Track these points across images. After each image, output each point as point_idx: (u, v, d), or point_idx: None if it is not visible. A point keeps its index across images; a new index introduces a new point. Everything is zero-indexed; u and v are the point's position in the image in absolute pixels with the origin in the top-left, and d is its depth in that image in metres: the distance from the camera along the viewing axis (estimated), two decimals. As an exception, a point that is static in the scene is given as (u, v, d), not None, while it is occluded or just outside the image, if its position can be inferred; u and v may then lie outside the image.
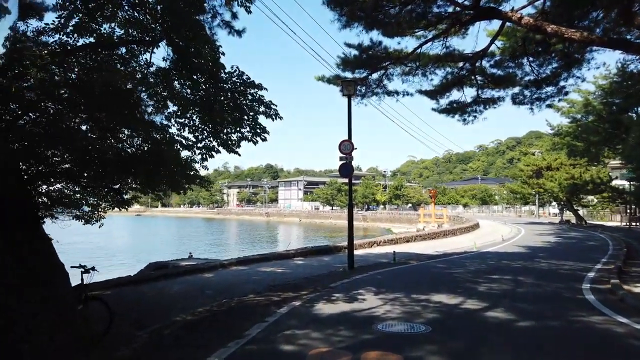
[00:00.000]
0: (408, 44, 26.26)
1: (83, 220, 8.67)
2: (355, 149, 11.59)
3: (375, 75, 13.73)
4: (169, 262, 14.51)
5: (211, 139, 8.01)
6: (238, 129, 7.95)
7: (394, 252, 14.67)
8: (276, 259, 14.56)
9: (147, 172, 7.31)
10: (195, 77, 7.44)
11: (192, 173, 8.29)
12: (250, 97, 7.89)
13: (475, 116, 14.48)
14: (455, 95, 14.68)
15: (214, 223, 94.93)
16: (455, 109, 14.47)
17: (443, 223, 47.95)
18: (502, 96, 14.19)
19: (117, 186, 8.16)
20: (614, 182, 44.70)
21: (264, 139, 8.01)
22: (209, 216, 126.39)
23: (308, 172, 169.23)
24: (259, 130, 7.93)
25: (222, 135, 7.93)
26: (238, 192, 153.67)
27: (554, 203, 75.84)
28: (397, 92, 14.13)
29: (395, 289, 8.92)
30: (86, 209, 8.68)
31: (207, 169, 9.67)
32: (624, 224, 45.21)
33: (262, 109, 7.98)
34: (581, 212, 50.66)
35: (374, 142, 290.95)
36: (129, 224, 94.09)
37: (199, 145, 7.96)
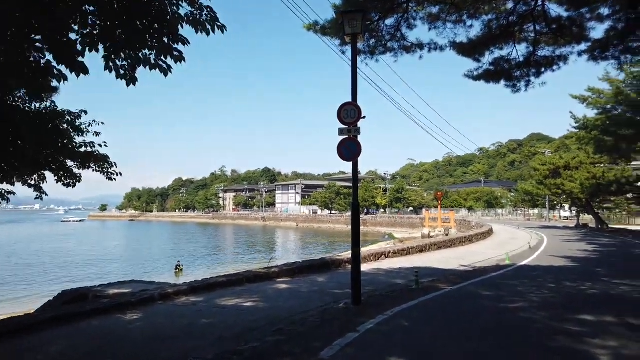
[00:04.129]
0: None
1: None
2: (364, 117, 7.48)
3: (389, 21, 9.66)
4: (92, 289, 10.35)
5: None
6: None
7: (415, 272, 10.49)
8: (251, 280, 10.40)
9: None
10: None
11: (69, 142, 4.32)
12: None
13: (528, 81, 10.39)
14: (498, 55, 10.53)
15: (208, 228, 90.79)
16: (501, 73, 10.37)
17: (450, 228, 43.94)
18: (566, 53, 10.12)
19: None
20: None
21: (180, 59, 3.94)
22: (204, 221, 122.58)
23: (306, 176, 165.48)
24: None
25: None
26: (234, 196, 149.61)
27: (565, 206, 72.29)
28: (420, 46, 10.02)
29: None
30: None
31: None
32: (650, 228, 41.34)
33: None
34: (601, 215, 46.50)
35: (373, 145, 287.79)
36: (116, 230, 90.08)
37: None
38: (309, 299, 8.69)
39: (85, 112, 7.51)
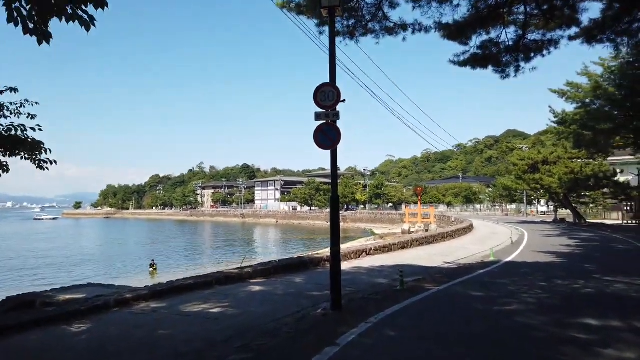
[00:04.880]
0: None
1: None
2: (343, 100, 6.66)
3: (370, -1, 8.86)
4: (41, 294, 9.29)
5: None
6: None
7: (400, 271, 9.73)
8: (221, 282, 9.51)
9: None
10: None
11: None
12: None
13: (518, 66, 9.74)
14: (486, 38, 9.82)
15: (186, 226, 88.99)
16: (489, 57, 9.68)
17: (430, 223, 43.64)
18: (557, 37, 9.49)
19: None
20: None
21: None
22: (181, 218, 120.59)
23: (286, 172, 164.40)
24: None
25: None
26: (213, 193, 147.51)
27: (542, 201, 72.97)
28: (403, 26, 9.25)
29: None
30: None
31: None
32: (626, 222, 41.70)
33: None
34: (578, 209, 46.80)
35: (353, 142, 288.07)
36: (90, 228, 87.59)
37: None
38: (284, 303, 7.86)
39: (15, 90, 6.50)
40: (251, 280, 10.16)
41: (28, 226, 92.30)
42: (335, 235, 6.91)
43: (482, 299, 7.99)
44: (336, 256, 6.89)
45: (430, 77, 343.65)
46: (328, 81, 6.90)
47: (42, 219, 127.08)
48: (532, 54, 9.69)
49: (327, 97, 6.74)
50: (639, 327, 5.93)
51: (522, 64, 9.69)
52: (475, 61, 9.81)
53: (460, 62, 10.13)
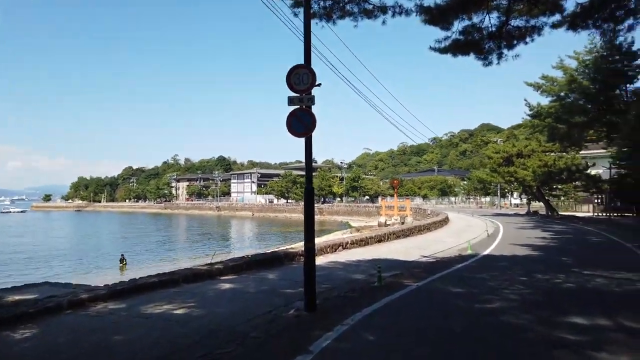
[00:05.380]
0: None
1: None
2: (319, 84, 6.16)
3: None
4: (-12, 296, 8.59)
5: None
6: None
7: (378, 267, 9.31)
8: (189, 280, 8.92)
9: None
10: None
11: None
12: None
13: (500, 54, 9.40)
14: (468, 23, 9.44)
15: (159, 219, 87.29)
16: (471, 44, 9.31)
17: (406, 216, 43.71)
18: (540, 24, 9.17)
19: None
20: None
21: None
22: (155, 211, 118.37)
23: (262, 165, 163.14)
24: None
25: None
26: (188, 186, 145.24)
27: (514, 194, 74.20)
28: (383, 9, 8.77)
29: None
30: None
31: None
32: (596, 214, 42.51)
33: None
34: (551, 202, 47.52)
35: (329, 134, 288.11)
36: (60, 221, 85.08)
37: None
38: (255, 301, 7.35)
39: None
40: (221, 277, 9.60)
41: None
42: (310, 230, 6.42)
43: (463, 296, 7.64)
44: (310, 253, 6.40)
45: (409, 69, 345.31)
46: (302, 62, 6.38)
47: (10, 212, 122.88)
48: (515, 42, 9.37)
49: (302, 80, 6.21)
50: (628, 326, 5.66)
51: (504, 51, 9.36)
52: (456, 48, 9.42)
53: (441, 48, 9.73)
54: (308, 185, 6.43)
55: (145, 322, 6.19)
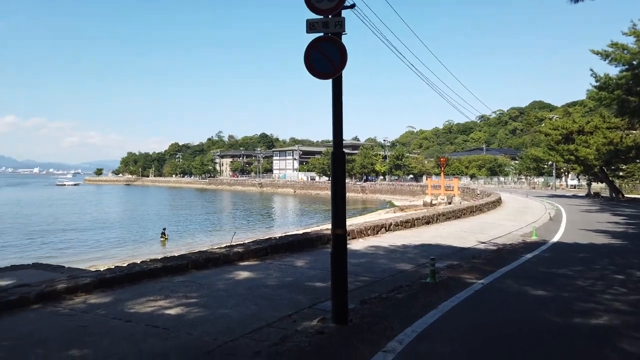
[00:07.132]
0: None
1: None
2: (352, 5, 4.29)
3: None
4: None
5: None
6: None
7: (432, 258, 7.49)
8: (200, 266, 7.50)
9: None
10: None
11: None
12: None
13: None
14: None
15: (205, 194, 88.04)
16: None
17: (454, 195, 41.27)
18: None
19: None
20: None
21: None
22: (200, 186, 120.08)
23: (304, 142, 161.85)
24: None
25: None
26: (231, 162, 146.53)
27: (571, 174, 69.34)
28: None
29: None
30: None
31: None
32: (668, 197, 38.57)
33: None
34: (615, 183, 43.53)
35: (372, 112, 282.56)
36: (110, 194, 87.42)
37: None
38: (273, 299, 5.82)
39: None
40: (240, 263, 8.14)
41: (50, 191, 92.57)
42: (339, 211, 4.65)
43: (550, 302, 5.80)
44: (340, 243, 4.66)
45: (455, 45, 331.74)
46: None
47: (65, 185, 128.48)
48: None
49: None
50: None
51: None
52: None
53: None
54: (336, 149, 4.67)
55: (123, 326, 4.77)
